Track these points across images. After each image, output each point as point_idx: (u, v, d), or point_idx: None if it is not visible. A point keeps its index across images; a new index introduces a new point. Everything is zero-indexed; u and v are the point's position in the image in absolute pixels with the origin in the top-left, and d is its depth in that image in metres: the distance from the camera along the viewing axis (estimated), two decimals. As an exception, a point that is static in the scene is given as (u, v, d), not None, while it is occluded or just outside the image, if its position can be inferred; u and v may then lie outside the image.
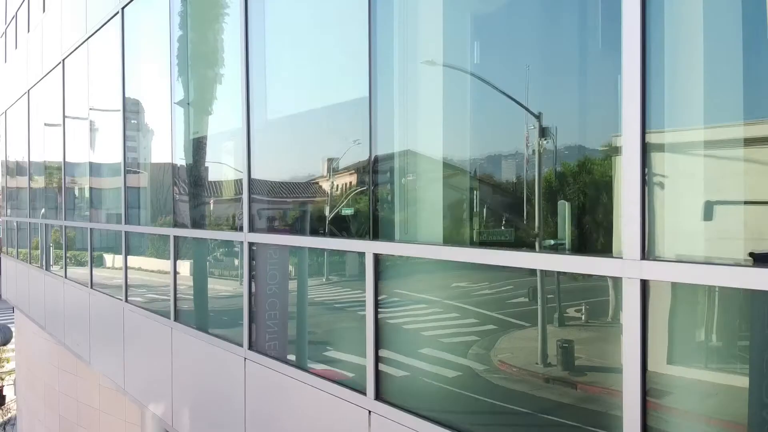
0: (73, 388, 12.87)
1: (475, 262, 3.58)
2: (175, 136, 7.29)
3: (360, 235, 4.44)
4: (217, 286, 6.76)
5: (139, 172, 8.61)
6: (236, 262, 6.22)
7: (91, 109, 10.10)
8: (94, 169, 10.15)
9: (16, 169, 16.11)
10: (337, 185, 4.80)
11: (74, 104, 10.99)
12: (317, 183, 5.13)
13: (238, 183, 5.96)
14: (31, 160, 14.23)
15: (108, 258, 9.74)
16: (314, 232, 5.14)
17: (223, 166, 6.58)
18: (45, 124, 12.99)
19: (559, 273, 3.16)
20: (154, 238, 8.06)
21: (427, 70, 4.06)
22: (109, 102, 9.13)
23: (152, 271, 8.20)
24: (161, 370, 7.47)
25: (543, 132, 3.26)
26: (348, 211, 4.66)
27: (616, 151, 2.85)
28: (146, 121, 8.46)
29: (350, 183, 4.66)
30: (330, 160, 4.88)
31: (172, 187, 7.40)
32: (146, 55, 8.27)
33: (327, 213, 4.93)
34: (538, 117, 3.26)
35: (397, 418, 4.06)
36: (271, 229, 5.67)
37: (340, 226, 4.77)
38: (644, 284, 2.75)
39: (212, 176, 6.83)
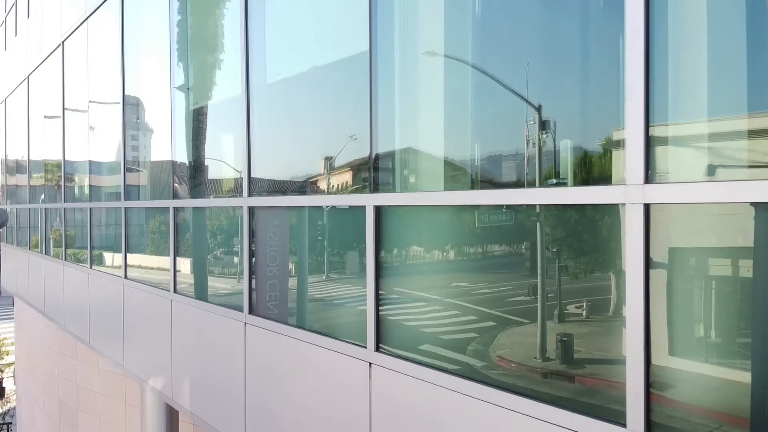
0: (73, 372, 12.85)
1: (478, 205, 3.56)
2: (175, 111, 7.28)
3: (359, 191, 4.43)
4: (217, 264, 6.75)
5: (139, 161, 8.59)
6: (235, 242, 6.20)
7: (90, 101, 10.08)
8: (94, 167, 10.13)
9: (17, 154, 16.09)
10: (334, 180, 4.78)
11: (74, 87, 10.97)
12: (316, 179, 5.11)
13: (238, 152, 5.94)
14: (30, 144, 14.20)
15: (108, 245, 9.74)
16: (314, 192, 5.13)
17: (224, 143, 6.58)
18: (45, 117, 12.99)
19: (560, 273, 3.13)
20: (155, 216, 8.05)
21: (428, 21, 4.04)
22: (109, 87, 9.12)
23: (152, 250, 8.19)
24: (161, 344, 7.45)
25: (543, 125, 3.25)
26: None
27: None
28: (145, 108, 8.45)
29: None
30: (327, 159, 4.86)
31: (171, 167, 7.38)
32: (147, 34, 8.25)
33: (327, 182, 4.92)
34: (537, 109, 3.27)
35: (398, 367, 4.04)
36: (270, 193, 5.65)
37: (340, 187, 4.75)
38: (647, 210, 2.73)
39: (210, 149, 6.81)
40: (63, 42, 11.42)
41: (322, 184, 4.94)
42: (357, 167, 4.53)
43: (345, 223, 4.89)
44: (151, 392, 8.78)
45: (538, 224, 3.32)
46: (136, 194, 8.60)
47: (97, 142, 10.00)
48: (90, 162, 10.26)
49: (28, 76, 14.31)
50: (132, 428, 10.95)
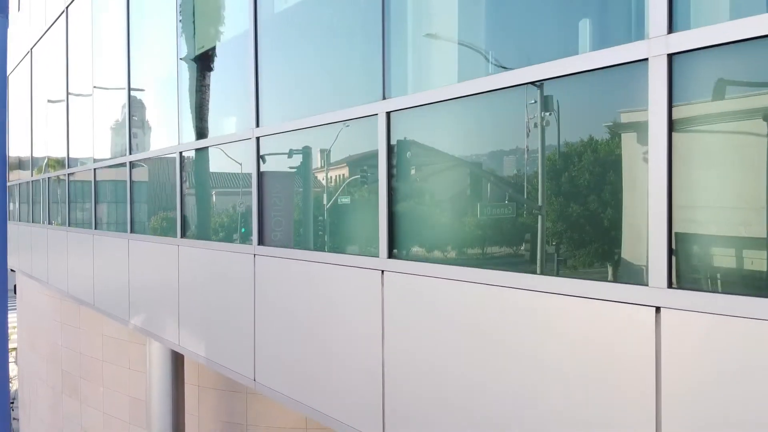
0: (76, 342, 12.82)
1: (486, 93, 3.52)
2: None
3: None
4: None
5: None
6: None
7: (95, 86, 10.04)
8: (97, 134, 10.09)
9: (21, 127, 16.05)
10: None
11: (78, 58, 10.94)
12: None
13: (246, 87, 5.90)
14: (34, 116, 14.17)
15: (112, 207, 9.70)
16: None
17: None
18: (48, 101, 12.96)
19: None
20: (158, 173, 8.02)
21: None
22: (114, 59, 9.08)
23: (156, 200, 8.15)
24: (167, 293, 7.41)
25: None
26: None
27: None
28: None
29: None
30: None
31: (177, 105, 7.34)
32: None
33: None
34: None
35: (409, 269, 4.00)
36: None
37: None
38: (671, 63, 2.69)
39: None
40: (67, 8, 11.39)
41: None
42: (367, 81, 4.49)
43: (353, 141, 4.85)
44: (157, 350, 8.75)
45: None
46: (141, 149, 8.57)
47: (101, 108, 9.97)
48: (93, 130, 10.23)
49: (31, 50, 14.28)
50: (136, 393, 10.92)
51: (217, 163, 6.81)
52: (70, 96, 11.48)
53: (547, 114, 3.25)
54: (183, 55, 7.24)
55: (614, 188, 2.97)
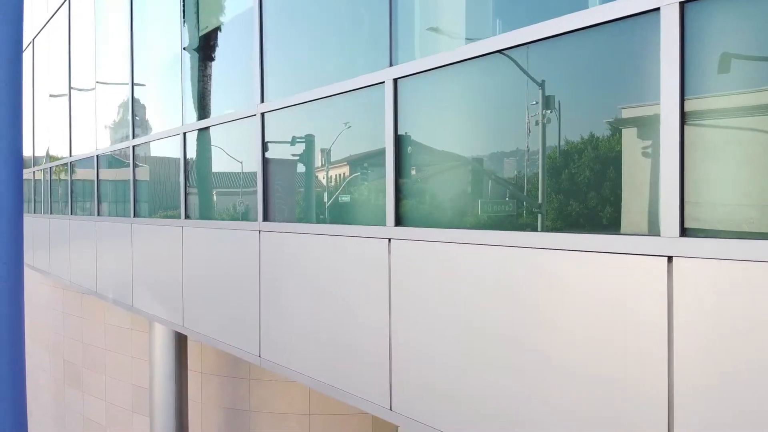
0: (78, 331, 12.82)
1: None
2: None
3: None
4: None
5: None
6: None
7: (98, 78, 10.04)
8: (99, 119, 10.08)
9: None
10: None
11: (80, 46, 10.94)
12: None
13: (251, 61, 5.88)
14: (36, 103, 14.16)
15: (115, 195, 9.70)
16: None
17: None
18: (50, 96, 12.96)
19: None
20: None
21: None
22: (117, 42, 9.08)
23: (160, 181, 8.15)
24: (172, 274, 7.40)
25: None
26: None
27: None
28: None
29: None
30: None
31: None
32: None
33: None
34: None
35: (416, 235, 3.99)
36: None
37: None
38: (683, 11, 2.68)
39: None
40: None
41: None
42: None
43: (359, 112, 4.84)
44: (160, 336, 8.74)
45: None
46: (143, 133, 8.56)
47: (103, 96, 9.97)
48: (96, 116, 10.22)
49: (33, 40, 14.27)
50: (139, 381, 10.91)
51: (221, 141, 6.80)
52: (72, 90, 11.48)
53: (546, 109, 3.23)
54: (187, 34, 7.23)
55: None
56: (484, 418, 3.53)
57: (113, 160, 9.75)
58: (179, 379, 9.14)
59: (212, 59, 7.02)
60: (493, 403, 3.47)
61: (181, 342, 8.94)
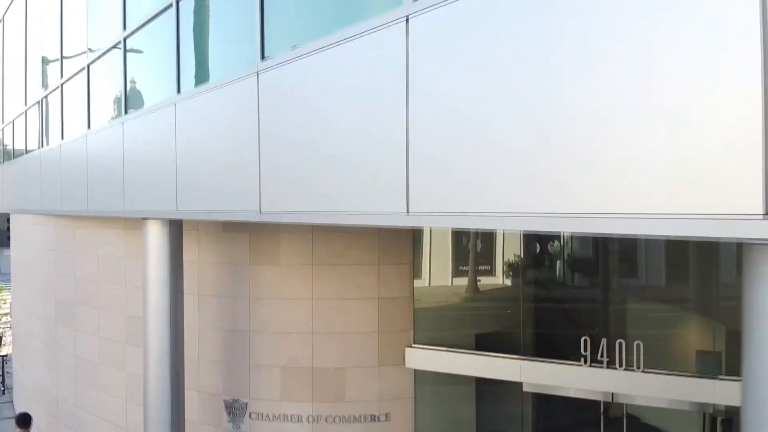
0: (70, 267, 12.29)
1: None
2: None
3: None
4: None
5: None
6: None
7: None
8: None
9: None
10: None
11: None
12: None
13: None
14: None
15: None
16: None
17: None
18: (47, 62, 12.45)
19: None
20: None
21: None
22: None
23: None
24: (164, 159, 6.88)
25: None
26: None
27: None
28: None
29: None
30: None
31: None
32: None
33: None
34: None
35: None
36: None
37: None
38: None
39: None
40: None
41: None
42: None
43: None
44: (152, 236, 8.19)
45: None
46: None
47: None
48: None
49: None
50: (132, 311, 10.38)
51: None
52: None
53: None
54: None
55: None
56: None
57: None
58: (175, 304, 8.49)
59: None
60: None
61: (177, 259, 8.32)
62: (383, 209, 3.85)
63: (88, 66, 9.56)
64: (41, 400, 13.89)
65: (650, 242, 8.03)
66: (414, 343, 9.06)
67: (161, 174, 7.00)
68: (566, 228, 2.97)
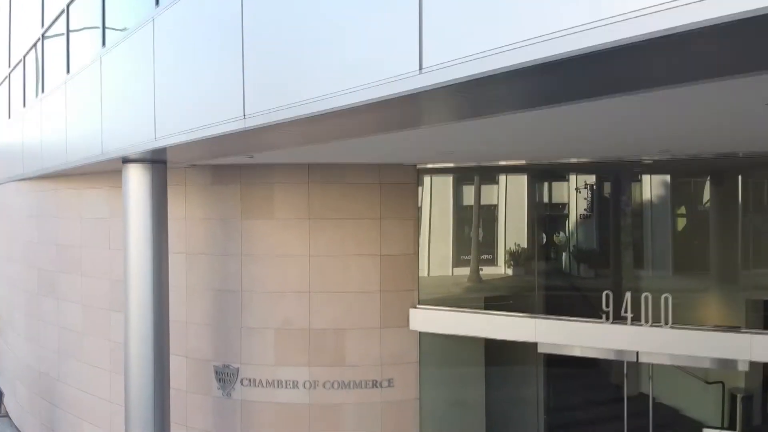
0: (53, 233, 11.60)
1: None
2: None
3: None
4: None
5: None
6: None
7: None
8: None
9: None
10: None
11: None
12: None
13: None
14: None
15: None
16: None
17: None
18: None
19: None
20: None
21: None
22: None
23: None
24: (143, 90, 6.19)
25: None
26: None
27: None
28: None
29: None
30: None
31: None
32: None
33: None
34: None
35: None
36: None
37: None
38: None
39: None
40: None
41: None
42: None
43: None
44: (133, 183, 7.50)
45: None
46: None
47: None
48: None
49: None
50: (116, 275, 9.68)
51: None
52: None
53: None
54: None
55: None
56: None
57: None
58: (159, 264, 7.76)
59: None
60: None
61: (160, 209, 7.59)
62: (389, 75, 3.15)
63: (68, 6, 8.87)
64: (24, 377, 13.20)
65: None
66: (419, 303, 8.38)
67: (140, 105, 6.32)
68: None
